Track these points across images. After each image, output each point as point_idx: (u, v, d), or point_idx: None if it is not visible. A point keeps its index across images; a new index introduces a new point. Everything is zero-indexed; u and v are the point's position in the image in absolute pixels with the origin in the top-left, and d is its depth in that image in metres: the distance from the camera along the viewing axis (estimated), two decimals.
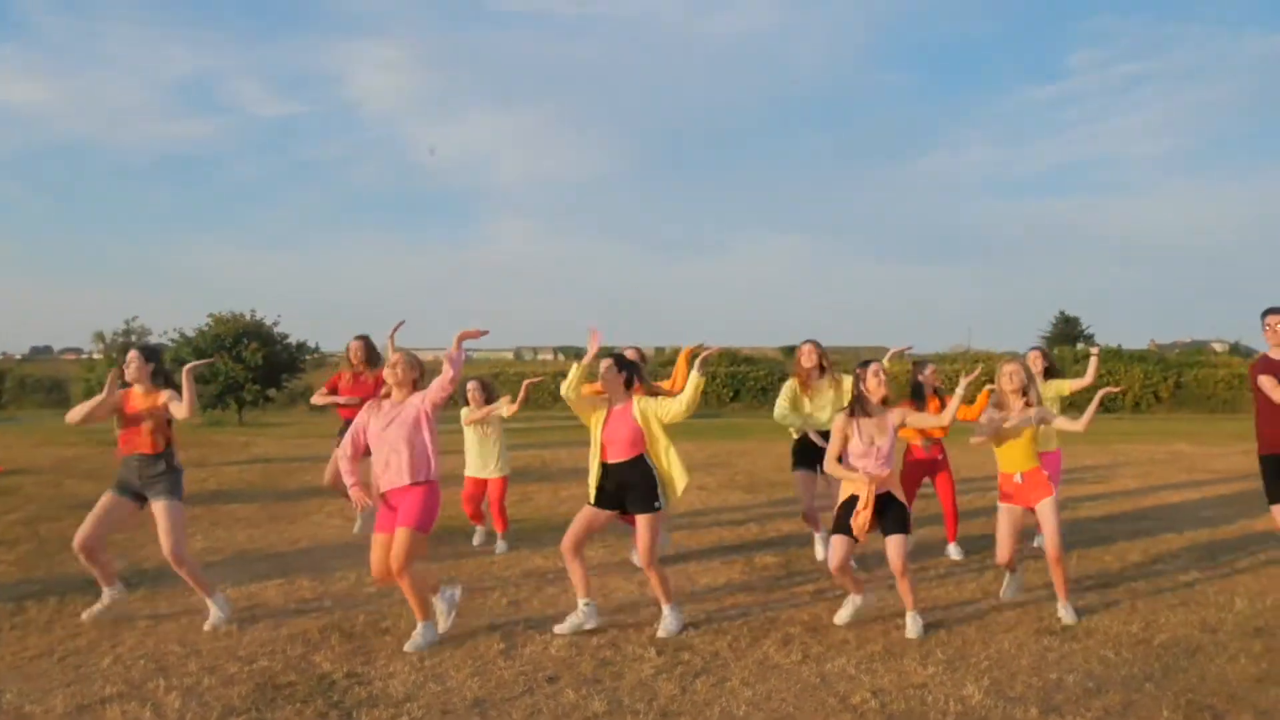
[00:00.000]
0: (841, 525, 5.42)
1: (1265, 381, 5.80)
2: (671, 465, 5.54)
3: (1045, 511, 5.61)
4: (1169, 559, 7.16)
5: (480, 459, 7.86)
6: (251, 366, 24.58)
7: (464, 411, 7.92)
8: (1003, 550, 5.74)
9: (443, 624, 5.27)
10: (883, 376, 5.45)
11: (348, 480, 5.22)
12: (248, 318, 25.74)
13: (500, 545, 7.73)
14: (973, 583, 6.43)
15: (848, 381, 6.94)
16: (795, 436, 7.26)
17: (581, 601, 5.43)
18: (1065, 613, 5.56)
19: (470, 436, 7.90)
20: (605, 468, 5.50)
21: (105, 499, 5.57)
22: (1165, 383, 30.26)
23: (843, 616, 5.48)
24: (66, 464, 13.97)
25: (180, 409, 5.42)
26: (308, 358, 27.13)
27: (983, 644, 5.11)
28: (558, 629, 5.34)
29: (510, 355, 73.12)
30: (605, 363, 5.57)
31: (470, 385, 7.90)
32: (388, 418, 5.19)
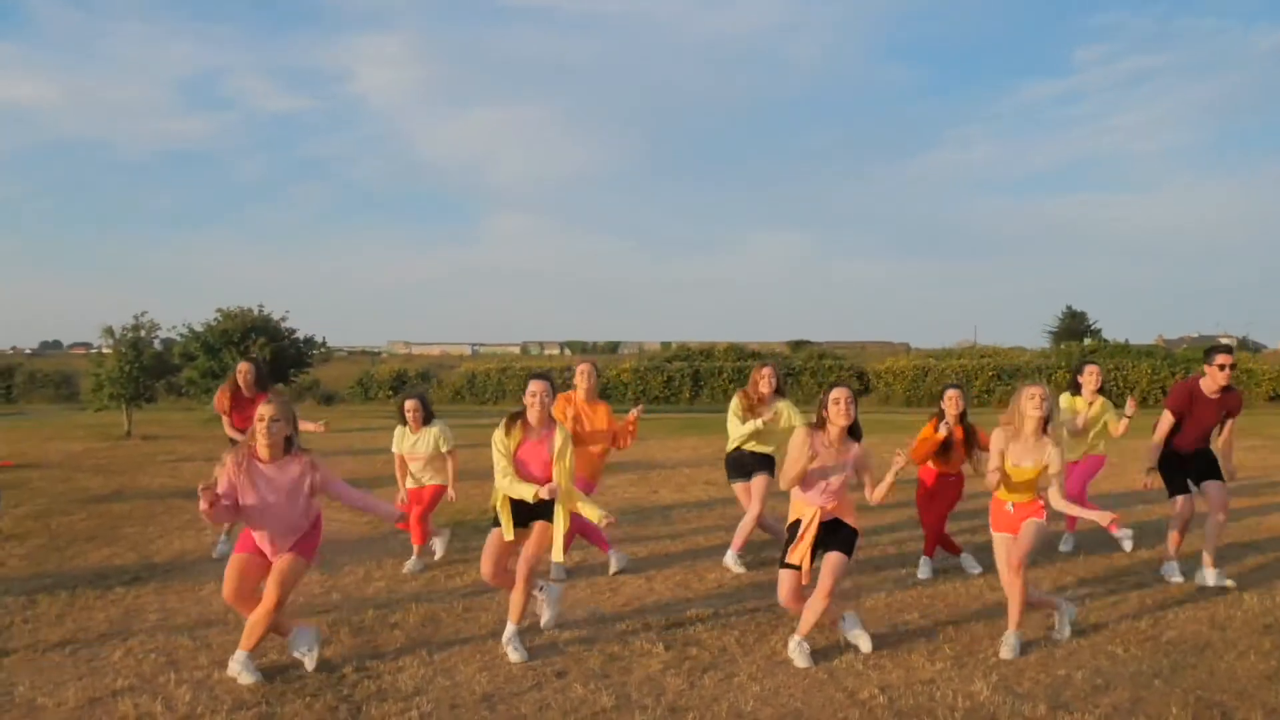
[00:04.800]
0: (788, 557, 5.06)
1: (1162, 423, 6.54)
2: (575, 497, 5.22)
3: (1027, 529, 5.09)
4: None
5: (414, 472, 7.18)
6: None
7: (398, 434, 7.14)
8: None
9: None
10: (844, 405, 4.91)
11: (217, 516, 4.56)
12: (255, 313, 25.74)
13: (410, 562, 6.86)
14: (980, 579, 6.43)
15: (786, 409, 6.87)
16: (729, 449, 7.15)
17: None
18: (1010, 639, 5.00)
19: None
20: (515, 503, 5.14)
21: None
22: (1173, 378, 30.14)
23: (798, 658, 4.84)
24: (76, 458, 14.03)
25: None
26: (315, 353, 27.09)
27: (990, 640, 5.11)
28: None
29: (517, 350, 73.25)
30: (538, 384, 5.14)
31: (409, 405, 7.10)
32: (272, 488, 4.58)
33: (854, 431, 5.03)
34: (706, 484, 11.23)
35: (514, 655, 4.84)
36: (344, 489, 4.80)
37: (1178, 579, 6.41)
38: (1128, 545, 6.99)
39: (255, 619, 4.51)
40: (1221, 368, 6.37)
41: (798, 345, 52.14)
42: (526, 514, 5.13)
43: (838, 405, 4.93)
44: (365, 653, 4.94)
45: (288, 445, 4.64)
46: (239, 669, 4.51)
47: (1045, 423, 5.04)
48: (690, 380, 33.78)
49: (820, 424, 5.02)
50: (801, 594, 4.98)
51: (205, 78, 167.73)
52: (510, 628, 4.98)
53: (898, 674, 4.60)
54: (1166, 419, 6.54)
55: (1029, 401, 5.05)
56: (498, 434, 5.13)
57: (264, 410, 4.56)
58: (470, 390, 35.04)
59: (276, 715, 4.12)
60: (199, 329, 25.24)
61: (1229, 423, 6.60)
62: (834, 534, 4.99)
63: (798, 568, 4.96)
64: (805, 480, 4.96)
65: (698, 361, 35.38)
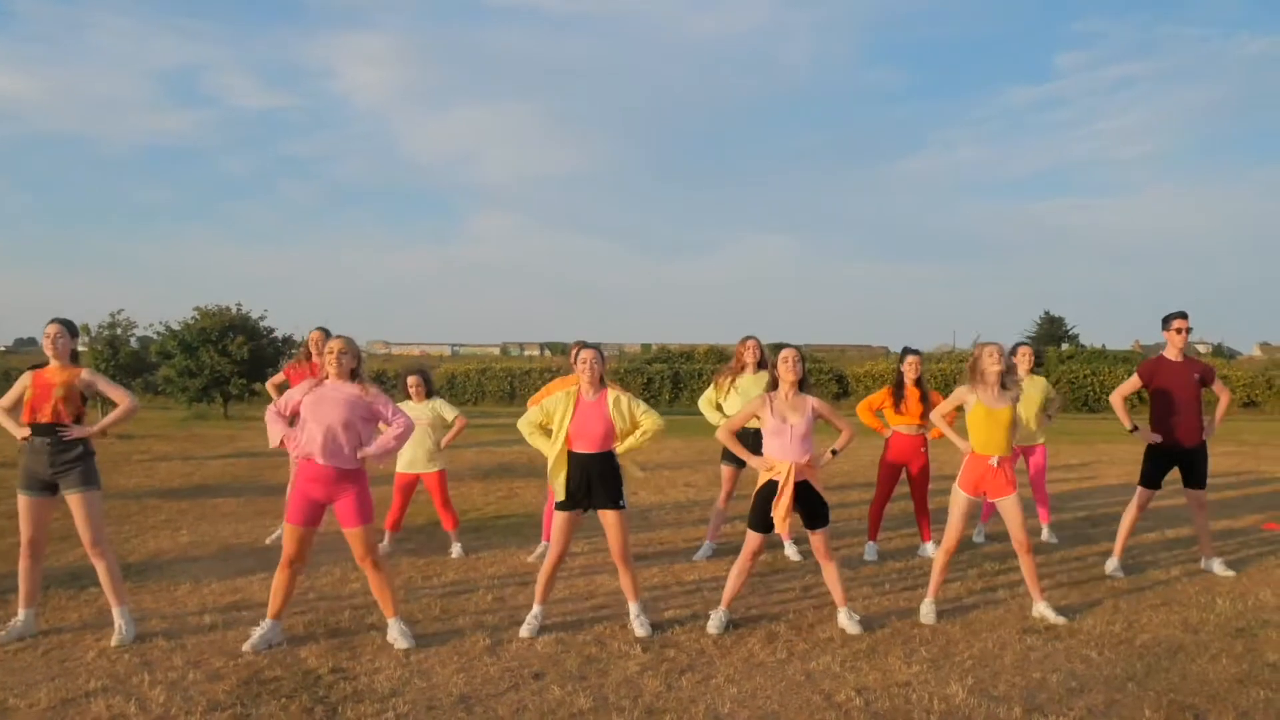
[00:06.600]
0: (760, 519, 5.36)
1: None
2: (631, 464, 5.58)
3: (1009, 507, 5.61)
4: (1151, 558, 7.22)
5: (409, 451, 7.27)
6: (237, 360, 24.46)
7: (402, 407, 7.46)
8: (956, 535, 5.69)
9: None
10: (792, 362, 5.43)
11: (280, 432, 5.10)
12: (234, 311, 25.60)
13: (455, 548, 7.38)
14: (957, 582, 6.46)
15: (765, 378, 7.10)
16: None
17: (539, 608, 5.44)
18: (1046, 612, 5.60)
19: None
20: (573, 458, 5.36)
21: (22, 504, 5.30)
22: None
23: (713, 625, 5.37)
24: None
25: (120, 402, 5.41)
26: (293, 352, 26.97)
27: (966, 643, 5.14)
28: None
29: (497, 350, 73.08)
30: (589, 353, 5.41)
31: (411, 380, 7.49)
32: (331, 396, 5.02)
33: (803, 386, 5.49)
34: (686, 485, 11.25)
35: (642, 631, 5.27)
36: (395, 416, 5.12)
37: (1119, 575, 6.69)
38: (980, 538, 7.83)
39: (377, 590, 5.13)
40: (1179, 331, 6.66)
41: (778, 348, 52.28)
42: (581, 494, 5.38)
43: (785, 363, 5.45)
44: (342, 654, 4.91)
45: (353, 376, 5.11)
46: (396, 636, 5.05)
47: (1004, 375, 5.63)
48: (670, 382, 33.80)
49: (774, 385, 5.50)
50: (758, 557, 5.49)
51: (187, 74, 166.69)
52: (633, 606, 5.40)
53: (874, 676, 4.62)
54: (1131, 380, 6.94)
55: (989, 359, 5.62)
56: (551, 399, 5.47)
57: (334, 344, 5.07)
58: (450, 391, 34.93)
59: (252, 716, 4.09)
60: (176, 327, 25.09)
61: (1223, 395, 6.87)
62: (807, 503, 5.35)
63: (768, 531, 5.35)
64: (774, 430, 5.35)
65: (678, 363, 35.44)
